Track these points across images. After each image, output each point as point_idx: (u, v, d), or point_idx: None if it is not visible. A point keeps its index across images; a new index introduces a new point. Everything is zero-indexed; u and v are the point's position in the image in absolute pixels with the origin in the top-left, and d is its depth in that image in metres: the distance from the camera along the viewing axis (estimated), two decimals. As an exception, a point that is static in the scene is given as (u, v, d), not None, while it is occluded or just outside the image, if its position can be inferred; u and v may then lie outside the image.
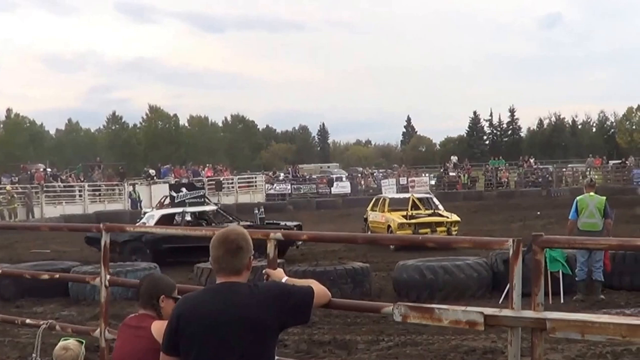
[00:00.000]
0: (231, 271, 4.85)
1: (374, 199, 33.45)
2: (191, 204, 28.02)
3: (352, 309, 8.36)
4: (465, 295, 16.67)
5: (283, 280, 5.42)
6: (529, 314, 5.11)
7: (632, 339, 4.72)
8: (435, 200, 31.64)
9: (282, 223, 27.71)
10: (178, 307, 5.03)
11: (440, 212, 29.90)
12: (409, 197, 31.42)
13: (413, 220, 28.38)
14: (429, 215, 29.31)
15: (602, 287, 16.51)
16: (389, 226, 28.88)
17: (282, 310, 4.85)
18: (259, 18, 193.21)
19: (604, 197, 17.15)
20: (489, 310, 5.29)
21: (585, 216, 16.60)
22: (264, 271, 5.69)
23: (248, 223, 26.71)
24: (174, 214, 27.53)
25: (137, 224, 26.18)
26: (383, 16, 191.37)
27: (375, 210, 31.22)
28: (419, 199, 31.53)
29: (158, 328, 5.59)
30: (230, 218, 27.83)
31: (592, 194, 17.02)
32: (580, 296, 16.11)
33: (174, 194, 29.08)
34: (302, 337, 12.88)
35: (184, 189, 29.27)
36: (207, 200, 30.67)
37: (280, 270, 5.75)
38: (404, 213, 29.14)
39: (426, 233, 26.72)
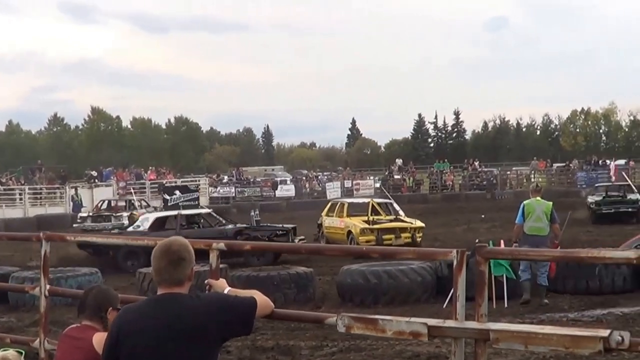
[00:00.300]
0: (173, 282, 4.78)
1: (329, 204, 32.44)
2: (184, 207, 27.99)
3: (295, 320, 8.29)
4: (409, 299, 16.71)
5: (225, 291, 5.35)
6: (472, 324, 5.10)
7: (575, 350, 4.71)
8: (395, 205, 30.85)
9: (279, 225, 27.40)
10: (118, 319, 4.95)
11: (402, 217, 29.27)
12: (369, 202, 30.38)
13: (376, 226, 27.46)
14: (391, 220, 28.57)
15: (547, 291, 16.59)
16: (349, 232, 27.86)
17: (224, 321, 4.79)
18: (203, 19, 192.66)
19: (551, 202, 17.26)
20: (432, 321, 5.26)
21: (532, 220, 16.65)
22: (206, 281, 5.62)
23: (244, 225, 26.62)
24: (167, 217, 27.29)
25: (132, 227, 26.54)
26: (327, 18, 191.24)
27: (332, 216, 30.22)
28: (379, 204, 30.70)
29: (99, 340, 5.51)
30: (224, 221, 27.44)
31: (538, 198, 17.12)
32: (526, 296, 16.15)
33: (167, 196, 29.16)
34: (245, 343, 12.76)
35: (177, 192, 29.38)
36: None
37: (222, 281, 5.67)
38: (365, 218, 28.28)
39: (390, 239, 26.49)
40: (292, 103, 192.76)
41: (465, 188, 60.71)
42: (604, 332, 4.62)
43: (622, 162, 72.96)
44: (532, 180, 62.91)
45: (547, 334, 4.76)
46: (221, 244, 6.59)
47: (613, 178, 52.53)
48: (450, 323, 5.19)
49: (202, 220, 27.51)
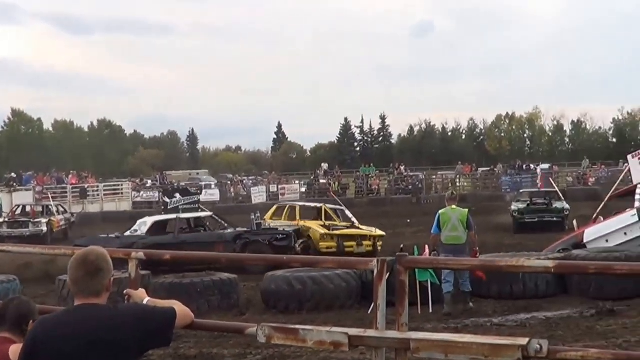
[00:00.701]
0: (90, 293, 4.70)
1: (275, 207, 31.65)
2: (185, 211, 26.90)
3: (216, 330, 8.25)
4: (334, 305, 16.68)
5: (145, 301, 5.29)
6: (393, 334, 5.11)
7: (494, 359, 4.73)
8: (347, 212, 30.08)
9: (280, 229, 26.31)
10: (34, 330, 4.85)
11: (357, 225, 28.41)
12: (321, 207, 29.56)
13: (337, 232, 26.84)
14: (348, 227, 27.72)
15: (472, 296, 16.70)
16: (308, 236, 26.89)
17: (142, 333, 4.73)
18: (127, 21, 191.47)
19: (466, 210, 17.28)
20: (353, 331, 5.26)
21: (448, 229, 16.58)
22: (125, 292, 5.54)
23: (244, 229, 25.90)
24: (167, 221, 26.67)
25: (130, 231, 25.85)
26: (253, 21, 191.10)
27: (279, 219, 29.12)
28: (332, 210, 29.67)
29: (15, 351, 5.40)
30: (226, 224, 26.77)
31: (454, 206, 17.05)
32: (447, 309, 15.99)
33: (167, 199, 28.20)
34: (167, 351, 12.61)
35: (177, 195, 28.18)
36: (201, 207, 29.41)
37: (142, 291, 5.60)
38: (321, 223, 27.58)
39: (352, 246, 26.05)
40: (218, 106, 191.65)
41: (391, 192, 60.81)
42: (523, 341, 4.66)
43: (546, 166, 74.01)
44: (458, 184, 63.55)
45: (467, 342, 4.79)
46: (140, 254, 6.53)
47: (539, 184, 52.91)
48: (371, 333, 5.19)
49: (201, 224, 26.98)
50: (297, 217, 28.58)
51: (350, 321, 14.00)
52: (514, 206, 35.70)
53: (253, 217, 26.49)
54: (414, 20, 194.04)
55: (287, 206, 30.90)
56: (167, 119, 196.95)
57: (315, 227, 27.14)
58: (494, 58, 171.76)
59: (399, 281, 5.19)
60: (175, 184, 65.23)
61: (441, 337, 5.01)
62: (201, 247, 22.80)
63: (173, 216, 26.33)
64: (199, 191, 30.30)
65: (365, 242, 26.69)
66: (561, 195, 37.28)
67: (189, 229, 26.58)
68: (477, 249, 17.04)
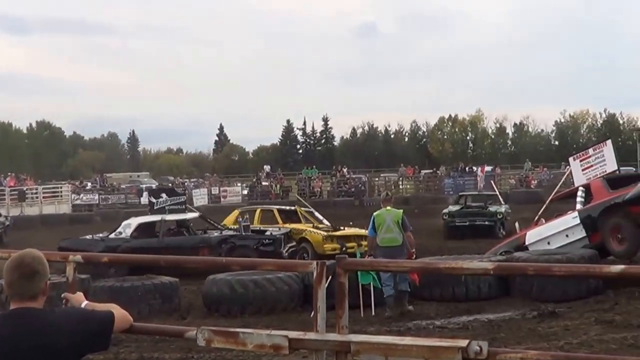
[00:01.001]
0: (26, 296, 4.61)
1: (238, 211, 29.76)
2: (171, 211, 26.09)
3: (155, 334, 8.16)
4: (276, 308, 16.62)
5: (82, 305, 5.21)
6: (333, 337, 5.09)
7: (434, 361, 4.73)
8: (317, 214, 29.07)
9: (268, 232, 25.31)
10: (-32, 335, 4.74)
11: (337, 227, 27.33)
12: (295, 209, 29.14)
13: (338, 233, 26.12)
14: (334, 229, 26.65)
15: (413, 298, 16.72)
16: (301, 240, 25.88)
17: (80, 336, 4.66)
18: (67, 20, 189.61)
19: (401, 210, 17.25)
20: (293, 334, 5.23)
21: (384, 231, 16.53)
22: (62, 295, 5.46)
23: (230, 233, 25.07)
24: (152, 222, 25.50)
25: (114, 233, 24.98)
26: (196, 23, 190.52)
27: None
28: (307, 212, 29.05)
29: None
30: (217, 225, 26.19)
31: (388, 208, 16.99)
32: (390, 312, 16.00)
33: (153, 199, 27.18)
34: (107, 356, 12.45)
35: (164, 195, 27.17)
36: (189, 207, 28.68)
37: (80, 294, 5.52)
38: (312, 225, 26.83)
39: (352, 247, 24.58)
40: (159, 108, 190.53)
41: (334, 195, 60.93)
42: (463, 342, 4.65)
43: (489, 168, 74.51)
44: (400, 186, 63.85)
45: (407, 345, 4.79)
46: (78, 257, 6.42)
47: (481, 185, 53.20)
48: (311, 335, 5.16)
49: (186, 226, 25.99)
50: (278, 221, 27.81)
51: (293, 324, 13.95)
52: (447, 209, 35.01)
53: (240, 219, 26.00)
54: (356, 22, 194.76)
55: (257, 210, 29.96)
56: (108, 120, 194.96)
57: (311, 229, 26.31)
58: (437, 60, 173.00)
59: (338, 283, 5.16)
60: (116, 185, 64.84)
61: (381, 340, 5.00)
62: (185, 251, 22.55)
63: (158, 218, 25.43)
64: (184, 191, 29.50)
65: (363, 243, 26.10)
66: (501, 198, 36.34)
67: (175, 231, 25.90)
68: (414, 250, 17.03)
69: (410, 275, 16.14)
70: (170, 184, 67.53)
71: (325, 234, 25.80)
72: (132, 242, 23.81)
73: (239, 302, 16.77)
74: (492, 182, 42.99)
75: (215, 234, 25.10)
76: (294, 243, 25.14)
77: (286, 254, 23.74)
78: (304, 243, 25.66)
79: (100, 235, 25.68)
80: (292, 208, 30.13)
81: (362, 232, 25.43)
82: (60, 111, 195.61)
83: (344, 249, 24.87)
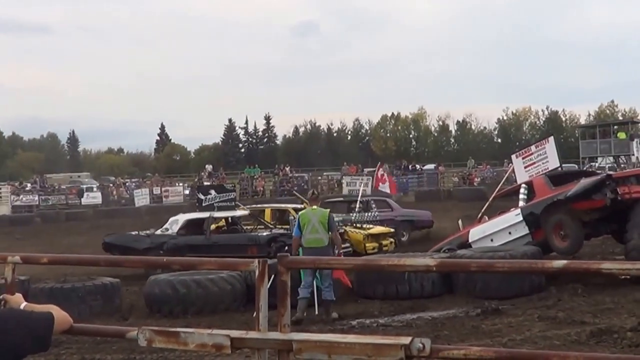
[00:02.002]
0: (-36, 298, 4.50)
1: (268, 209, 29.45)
2: (220, 208, 25.54)
3: (96, 334, 8.04)
4: (219, 308, 16.60)
5: (22, 306, 5.08)
6: (275, 335, 5.04)
7: (377, 359, 4.67)
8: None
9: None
10: None
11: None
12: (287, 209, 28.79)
13: (373, 231, 26.29)
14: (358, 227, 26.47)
15: (357, 296, 16.66)
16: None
17: (19, 338, 4.53)
18: (2, 20, 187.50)
19: (327, 210, 16.99)
20: (235, 333, 5.17)
21: (309, 232, 16.18)
22: (1, 297, 5.32)
23: (280, 232, 24.36)
24: (201, 219, 24.99)
25: (161, 229, 24.67)
26: (133, 22, 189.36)
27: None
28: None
29: None
30: (267, 224, 25.79)
31: (314, 207, 16.74)
32: (299, 314, 15.37)
33: (201, 196, 26.70)
34: (48, 358, 12.27)
35: (212, 192, 26.71)
36: (238, 204, 28.25)
37: (19, 296, 5.38)
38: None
39: (387, 245, 25.88)
40: (99, 108, 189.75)
41: (276, 194, 60.83)
42: (405, 340, 4.61)
43: (431, 167, 74.88)
44: (345, 185, 63.80)
45: (350, 342, 4.74)
46: (17, 257, 6.29)
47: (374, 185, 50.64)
48: (253, 334, 5.11)
49: (237, 224, 25.47)
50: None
51: (235, 324, 13.88)
52: None
53: (292, 218, 24.96)
54: (297, 21, 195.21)
55: (263, 210, 29.14)
56: (47, 121, 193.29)
57: (351, 229, 26.03)
58: (379, 58, 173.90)
59: (280, 281, 5.11)
60: (57, 186, 64.21)
61: (323, 338, 4.94)
62: (233, 249, 22.37)
63: (206, 214, 24.97)
64: (233, 186, 28.40)
65: (391, 240, 26.92)
66: (370, 204, 33.48)
67: (225, 229, 25.52)
68: (341, 251, 16.88)
69: (341, 277, 16.04)
70: (111, 184, 67.17)
71: (365, 232, 25.89)
72: (179, 239, 23.63)
73: (182, 303, 16.70)
74: (386, 183, 39.73)
75: (265, 232, 24.57)
76: (347, 244, 24.16)
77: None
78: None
79: (148, 231, 25.47)
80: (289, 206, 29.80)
81: (388, 230, 27.08)
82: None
83: (380, 246, 25.49)
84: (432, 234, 32.30)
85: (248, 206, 30.28)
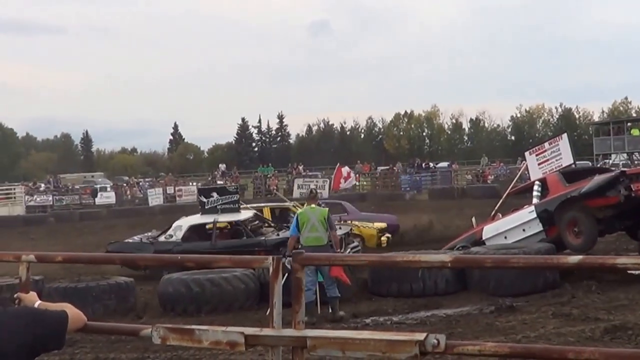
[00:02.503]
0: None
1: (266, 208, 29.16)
2: (224, 211, 24.63)
3: (110, 332, 8.06)
4: (233, 307, 16.60)
5: (36, 305, 5.09)
6: (289, 332, 5.04)
7: (392, 355, 4.67)
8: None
9: None
10: None
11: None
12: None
13: (380, 226, 27.57)
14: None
15: (371, 294, 16.62)
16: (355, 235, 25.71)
17: (34, 336, 4.52)
18: (18, 20, 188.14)
19: (327, 209, 16.85)
20: (249, 330, 5.16)
21: (308, 230, 16.06)
22: (15, 295, 5.33)
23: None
24: (204, 224, 24.47)
25: (166, 234, 24.01)
26: (147, 23, 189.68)
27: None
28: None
29: None
30: (273, 225, 25.12)
31: (313, 206, 16.55)
32: (310, 318, 14.52)
33: (203, 199, 25.58)
34: (63, 357, 12.33)
35: (214, 194, 25.58)
36: (243, 204, 27.28)
37: (33, 294, 5.39)
38: None
39: (384, 241, 26.66)
40: (112, 108, 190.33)
41: (290, 193, 60.72)
42: (420, 336, 4.61)
43: (445, 164, 74.77)
44: (357, 183, 63.78)
45: (364, 339, 4.73)
46: (31, 256, 6.29)
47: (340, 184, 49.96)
48: (267, 331, 5.11)
49: (242, 227, 24.37)
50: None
51: (249, 322, 13.85)
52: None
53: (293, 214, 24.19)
54: (310, 20, 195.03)
55: (266, 208, 28.99)
56: (60, 121, 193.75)
57: (362, 224, 26.98)
58: (392, 56, 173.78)
59: (294, 278, 5.11)
60: (70, 186, 64.30)
61: (338, 334, 4.94)
62: (241, 254, 21.02)
63: (210, 219, 24.16)
64: (237, 189, 27.41)
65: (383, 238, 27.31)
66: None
67: (232, 232, 24.68)
68: (341, 250, 16.80)
69: (339, 276, 15.97)
70: (125, 184, 67.25)
71: (375, 227, 26.69)
72: (184, 246, 22.87)
73: (195, 301, 16.71)
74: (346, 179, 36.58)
75: (273, 236, 23.76)
76: (355, 243, 24.24)
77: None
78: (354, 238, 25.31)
79: (149, 238, 24.69)
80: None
81: (384, 225, 27.77)
82: (12, 112, 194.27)
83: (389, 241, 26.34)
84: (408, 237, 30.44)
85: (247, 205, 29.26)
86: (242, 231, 24.14)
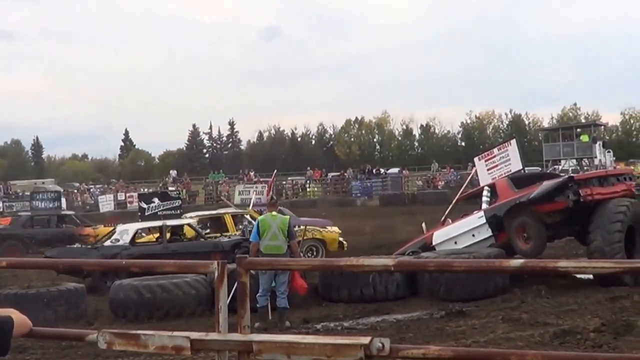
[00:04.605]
0: None
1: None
2: (165, 217, 24.28)
3: (56, 338, 8.02)
4: (184, 313, 16.54)
5: (-20, 311, 5.07)
6: (235, 337, 5.05)
7: (337, 359, 4.69)
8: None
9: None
10: None
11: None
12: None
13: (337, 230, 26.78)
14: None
15: (321, 300, 16.63)
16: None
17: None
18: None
19: (287, 217, 16.84)
20: (195, 335, 5.17)
21: (268, 238, 15.96)
22: (-37, 302, 5.31)
23: (242, 237, 23.01)
24: (153, 228, 24.03)
25: (110, 240, 23.11)
26: (99, 27, 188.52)
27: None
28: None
29: None
30: (202, 234, 24.18)
31: (274, 213, 16.44)
32: (260, 324, 15.15)
33: (144, 205, 25.46)
34: (11, 363, 12.25)
35: (156, 200, 25.48)
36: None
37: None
38: None
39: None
40: (63, 113, 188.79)
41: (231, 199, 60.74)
42: (365, 340, 4.63)
43: (395, 170, 75.09)
44: (308, 189, 63.91)
45: (309, 343, 4.76)
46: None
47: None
48: (213, 336, 5.12)
49: (180, 233, 24.18)
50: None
51: (201, 328, 13.72)
52: None
53: (245, 223, 24.80)
54: (261, 25, 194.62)
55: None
56: (10, 127, 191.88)
57: (324, 229, 26.30)
58: (342, 62, 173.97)
59: (239, 283, 5.12)
60: (20, 193, 63.76)
61: (283, 339, 4.95)
62: (195, 257, 20.58)
63: (159, 223, 23.65)
64: (178, 193, 26.65)
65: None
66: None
67: (170, 238, 23.88)
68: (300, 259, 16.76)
69: (295, 285, 15.98)
70: (75, 190, 66.82)
71: (337, 232, 26.30)
72: (133, 250, 22.35)
73: (147, 307, 16.65)
74: (254, 191, 37.11)
75: (226, 239, 23.66)
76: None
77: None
78: (316, 242, 25.37)
79: (92, 244, 24.30)
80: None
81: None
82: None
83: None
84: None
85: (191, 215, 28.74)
86: (180, 236, 24.03)
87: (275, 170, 45.20)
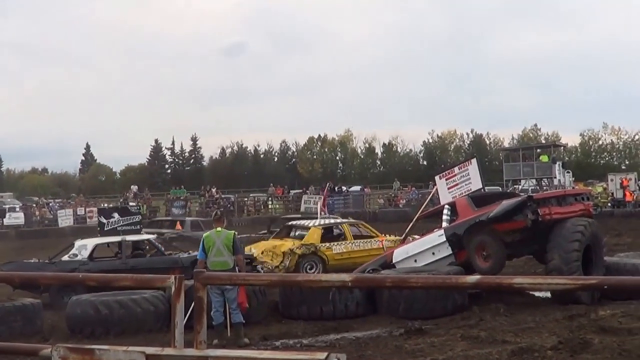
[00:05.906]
0: None
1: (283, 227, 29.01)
2: (125, 232, 23.88)
3: (7, 352, 7.88)
4: (142, 329, 16.34)
5: None
6: (191, 352, 5.02)
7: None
8: None
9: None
10: None
11: None
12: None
13: None
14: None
15: (281, 317, 16.56)
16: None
17: None
18: None
19: (233, 232, 16.49)
20: (150, 350, 5.13)
21: (213, 255, 15.77)
22: None
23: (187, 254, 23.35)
24: (112, 243, 23.79)
25: (68, 255, 22.78)
26: (62, 41, 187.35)
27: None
28: None
29: None
30: (161, 250, 24.06)
31: (219, 229, 16.15)
32: (218, 342, 14.97)
33: (103, 220, 24.69)
34: (-36, 380, 12.09)
35: (115, 215, 24.81)
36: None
37: None
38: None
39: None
40: (23, 127, 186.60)
41: (202, 215, 60.53)
42: (321, 355, 4.61)
43: (357, 188, 75.24)
44: (270, 206, 63.81)
45: (266, 358, 4.72)
46: None
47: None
48: (168, 351, 5.09)
49: (148, 248, 24.18)
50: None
51: (158, 344, 13.64)
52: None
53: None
54: (225, 42, 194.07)
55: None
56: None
57: (322, 244, 25.47)
58: (306, 80, 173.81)
59: (196, 297, 5.09)
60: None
61: (239, 354, 4.92)
62: (155, 273, 19.96)
63: (118, 238, 23.45)
64: (138, 209, 26.38)
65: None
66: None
67: (133, 253, 23.79)
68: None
69: (242, 302, 15.77)
70: (34, 205, 66.26)
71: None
72: (91, 265, 22.19)
73: (104, 324, 16.44)
74: (316, 201, 37.42)
75: (185, 255, 23.61)
76: (259, 268, 23.51)
77: (262, 270, 22.81)
78: (314, 257, 24.87)
79: (46, 258, 23.51)
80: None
81: None
82: None
83: None
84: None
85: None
86: (142, 251, 23.92)
87: (329, 183, 45.41)
